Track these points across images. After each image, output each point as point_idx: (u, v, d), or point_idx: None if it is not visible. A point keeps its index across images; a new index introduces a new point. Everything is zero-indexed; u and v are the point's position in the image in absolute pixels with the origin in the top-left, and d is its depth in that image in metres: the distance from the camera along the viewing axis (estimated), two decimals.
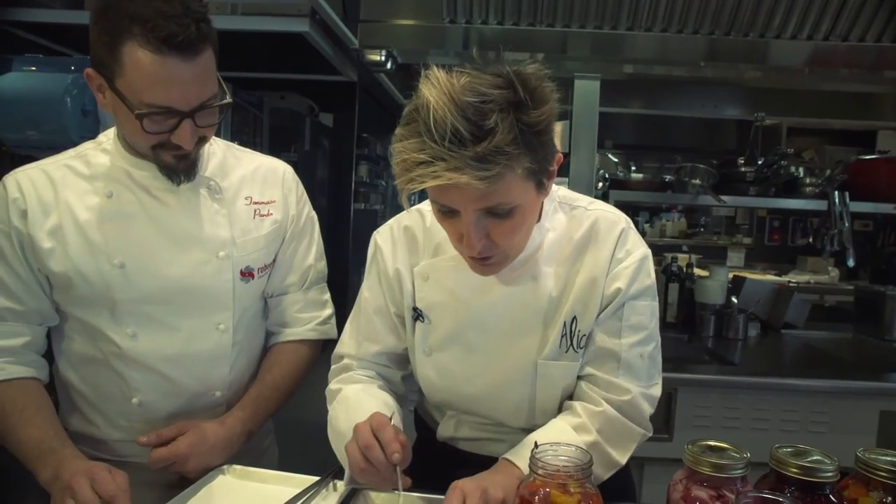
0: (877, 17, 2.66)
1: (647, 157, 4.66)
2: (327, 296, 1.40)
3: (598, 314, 1.09)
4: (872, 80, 3.32)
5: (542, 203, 1.08)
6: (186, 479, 1.10)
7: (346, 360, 1.22)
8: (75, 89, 2.25)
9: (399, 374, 1.24)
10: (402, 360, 1.24)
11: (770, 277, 4.25)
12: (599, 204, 1.15)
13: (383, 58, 2.99)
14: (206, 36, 1.03)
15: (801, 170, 2.78)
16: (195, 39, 1.00)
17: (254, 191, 1.27)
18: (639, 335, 1.09)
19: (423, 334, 1.15)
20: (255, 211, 1.26)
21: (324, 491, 1.08)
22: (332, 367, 1.24)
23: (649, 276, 1.11)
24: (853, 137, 4.15)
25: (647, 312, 1.11)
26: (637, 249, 1.11)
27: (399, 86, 4.23)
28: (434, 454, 1.24)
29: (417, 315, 1.15)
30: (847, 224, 2.54)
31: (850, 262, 2.58)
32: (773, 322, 2.75)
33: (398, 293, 1.17)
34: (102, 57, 1.02)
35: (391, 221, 1.22)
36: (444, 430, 1.22)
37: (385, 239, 1.20)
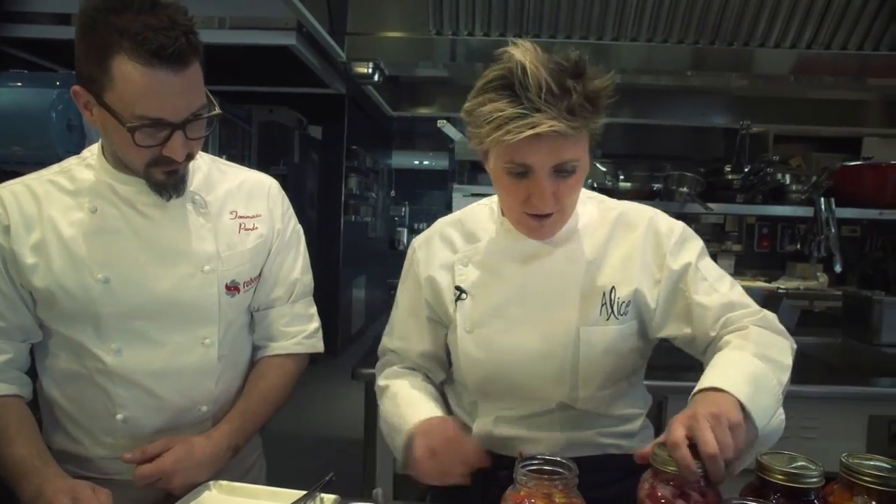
0: (858, 25, 2.69)
1: (636, 166, 4.67)
2: (314, 309, 1.39)
3: (669, 285, 1.14)
4: (857, 87, 3.36)
5: None
6: (172, 496, 1.09)
7: (388, 356, 1.32)
8: (61, 104, 2.25)
9: (438, 377, 1.30)
10: (440, 363, 1.29)
11: (760, 284, 4.26)
12: (620, 201, 1.25)
13: (371, 70, 3.00)
14: (195, 47, 1.03)
15: (787, 177, 2.80)
16: (185, 51, 1.00)
17: (239, 205, 1.27)
18: (726, 281, 1.16)
19: (464, 311, 1.19)
20: (240, 225, 1.25)
21: None
22: (379, 362, 1.35)
23: (697, 238, 1.20)
24: (839, 144, 4.20)
25: (714, 266, 1.18)
26: (676, 223, 1.20)
27: (387, 98, 4.25)
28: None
29: (459, 294, 1.20)
30: (833, 230, 2.56)
31: (838, 268, 2.59)
32: None
33: (431, 296, 1.23)
34: (91, 72, 1.01)
35: (430, 231, 1.31)
36: (481, 429, 1.20)
37: (421, 244, 1.29)
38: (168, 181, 1.13)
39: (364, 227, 7.28)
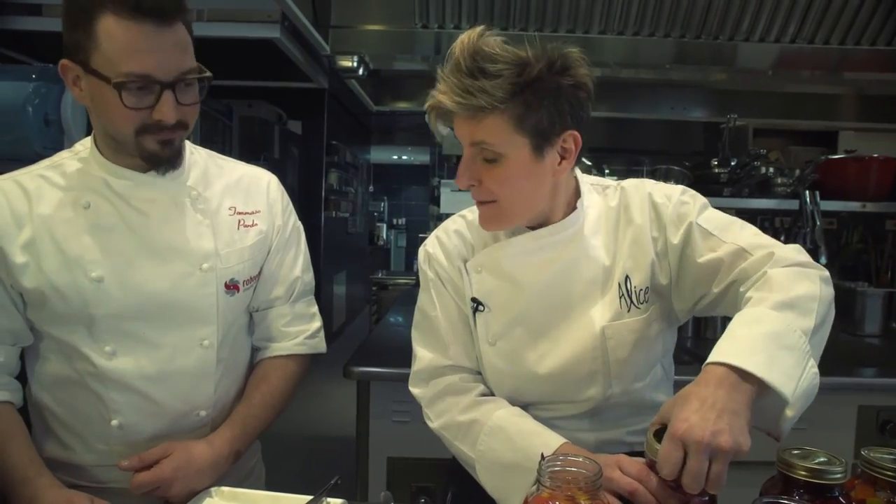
0: (841, 19, 2.72)
1: (616, 160, 4.69)
2: (315, 308, 1.36)
3: (677, 253, 1.10)
4: (833, 81, 3.41)
5: (577, 183, 1.17)
6: None
7: (445, 378, 1.17)
8: (37, 98, 2.18)
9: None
10: None
11: None
12: (624, 181, 1.22)
13: (355, 63, 2.96)
14: (179, 5, 1.02)
15: (771, 170, 2.83)
16: (168, 6, 0.99)
17: (237, 200, 1.23)
18: (733, 227, 1.09)
19: (484, 324, 1.16)
20: (239, 221, 1.21)
21: None
22: (428, 393, 1.18)
23: (696, 196, 1.14)
24: (816, 138, 4.25)
25: (718, 215, 1.12)
26: (673, 189, 1.15)
27: (369, 92, 4.20)
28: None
29: (476, 306, 1.16)
30: (819, 222, 2.59)
31: (823, 260, 2.62)
32: None
33: (454, 289, 1.19)
34: (77, 39, 0.99)
35: (436, 231, 1.26)
36: None
37: (435, 246, 1.23)
38: (162, 152, 1.08)
39: (344, 222, 7.23)
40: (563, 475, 0.82)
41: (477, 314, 1.17)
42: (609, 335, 1.11)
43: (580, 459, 0.84)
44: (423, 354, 1.20)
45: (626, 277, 1.13)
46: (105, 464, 1.15)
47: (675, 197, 1.13)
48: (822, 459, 0.86)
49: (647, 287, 1.13)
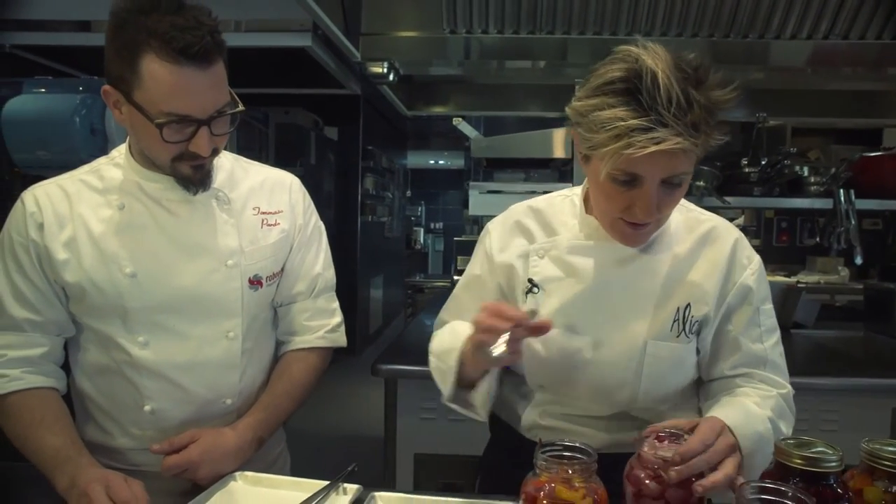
0: (877, 15, 2.66)
1: None
2: (336, 304, 1.41)
3: (723, 311, 1.15)
4: (875, 77, 3.32)
5: None
6: (199, 487, 1.12)
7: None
8: (84, 109, 2.30)
9: None
10: None
11: (780, 279, 4.22)
12: (711, 213, 1.22)
13: (385, 70, 3.03)
14: (220, 46, 1.07)
15: (805, 169, 2.78)
16: (210, 49, 1.04)
17: (261, 201, 1.30)
18: (774, 336, 1.17)
19: (534, 305, 1.17)
20: (262, 220, 1.28)
21: (333, 495, 1.09)
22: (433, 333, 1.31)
23: (766, 280, 1.19)
24: (859, 136, 4.15)
25: (773, 314, 1.19)
26: (755, 256, 1.18)
27: (402, 97, 4.27)
28: (510, 454, 1.25)
29: (531, 287, 1.18)
30: (853, 222, 2.54)
31: (858, 260, 2.57)
32: (782, 322, 2.73)
33: (506, 283, 1.21)
34: (120, 72, 1.05)
35: (503, 214, 1.28)
36: (529, 416, 1.22)
37: (496, 228, 1.26)
38: (194, 176, 1.16)
39: (381, 226, 7.31)
40: (558, 459, 0.85)
41: (529, 295, 1.18)
42: (650, 351, 1.12)
43: (576, 444, 0.88)
44: (442, 313, 1.30)
45: (688, 305, 1.12)
46: (139, 447, 1.23)
47: (755, 265, 1.16)
48: (818, 448, 0.87)
49: (701, 321, 1.14)
